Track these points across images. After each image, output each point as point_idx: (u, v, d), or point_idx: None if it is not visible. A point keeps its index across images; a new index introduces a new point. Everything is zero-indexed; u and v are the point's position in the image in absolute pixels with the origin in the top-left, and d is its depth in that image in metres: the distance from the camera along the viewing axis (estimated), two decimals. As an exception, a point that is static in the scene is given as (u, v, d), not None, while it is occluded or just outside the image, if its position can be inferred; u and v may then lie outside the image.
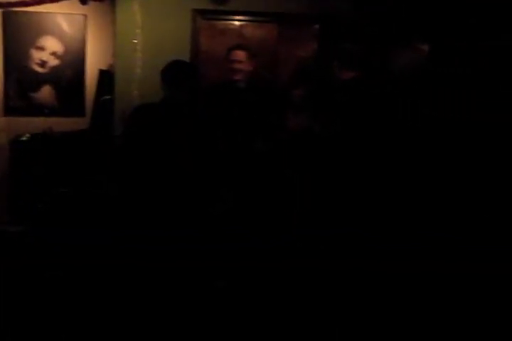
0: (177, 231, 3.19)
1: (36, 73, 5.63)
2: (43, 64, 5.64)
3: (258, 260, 3.25)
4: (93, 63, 5.79)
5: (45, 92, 5.70)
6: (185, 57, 4.88)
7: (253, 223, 3.53)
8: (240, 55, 4.31)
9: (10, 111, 5.63)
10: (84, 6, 5.21)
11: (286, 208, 3.62)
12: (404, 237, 3.17)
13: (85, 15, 5.65)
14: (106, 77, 5.57)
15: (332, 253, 3.23)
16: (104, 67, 5.75)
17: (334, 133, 3.54)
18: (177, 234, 3.17)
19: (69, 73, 5.72)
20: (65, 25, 5.63)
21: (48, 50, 5.63)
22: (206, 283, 3.25)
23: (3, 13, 5.41)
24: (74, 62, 5.73)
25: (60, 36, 5.63)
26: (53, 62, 5.67)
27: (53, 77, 5.67)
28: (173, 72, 3.44)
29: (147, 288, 3.20)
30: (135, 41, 4.87)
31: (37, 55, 5.61)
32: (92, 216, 4.12)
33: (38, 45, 5.59)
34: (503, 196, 3.47)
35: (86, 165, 5.16)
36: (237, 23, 5.13)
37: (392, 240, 3.16)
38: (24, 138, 5.40)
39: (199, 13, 4.95)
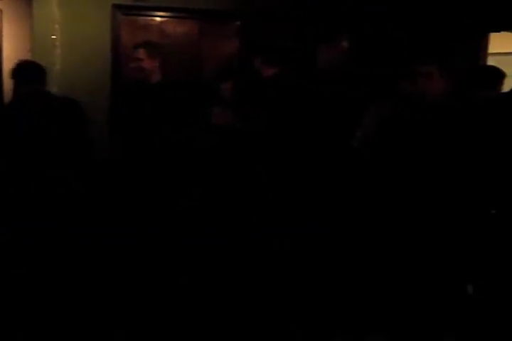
0: (142, 228, 3.18)
1: (-51, 69, 5.41)
2: (-45, 59, 5.43)
3: (221, 258, 3.25)
4: (10, 59, 5.61)
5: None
6: (106, 53, 4.83)
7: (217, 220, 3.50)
8: (140, 53, 4.27)
9: None
10: (0, 1, 5.05)
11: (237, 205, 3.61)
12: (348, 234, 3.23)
13: (0, 10, 5.47)
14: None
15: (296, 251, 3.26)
16: (21, 63, 5.58)
17: (257, 129, 3.58)
18: (141, 232, 3.16)
19: (-16, 69, 5.53)
20: (-22, 19, 5.43)
21: (-39, 46, 5.42)
22: (170, 280, 3.24)
23: None
24: (-11, 58, 5.53)
25: (-26, 31, 5.43)
26: (-33, 58, 5.47)
27: (-33, 73, 5.47)
28: (21, 71, 3.55)
29: (109, 285, 3.17)
30: (54, 37, 4.76)
31: (-51, 51, 5.39)
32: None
33: (-50, 40, 5.37)
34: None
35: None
36: (158, 19, 5.10)
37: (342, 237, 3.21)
38: None
39: (119, 8, 4.88)
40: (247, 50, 4.78)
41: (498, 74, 3.97)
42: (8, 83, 4.56)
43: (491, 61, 5.22)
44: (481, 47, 4.86)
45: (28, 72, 3.72)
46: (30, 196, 3.33)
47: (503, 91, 3.85)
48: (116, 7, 4.86)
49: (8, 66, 5.57)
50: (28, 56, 5.30)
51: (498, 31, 4.73)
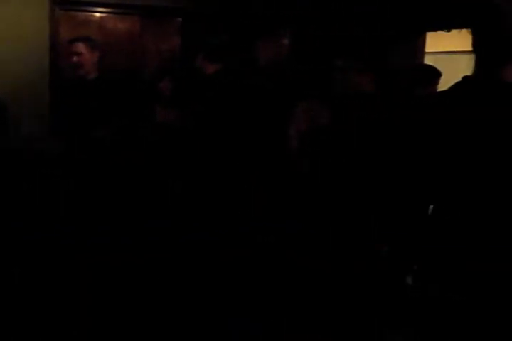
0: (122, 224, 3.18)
1: None
2: None
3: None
4: None
5: None
6: (45, 48, 4.72)
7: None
8: (79, 47, 4.15)
9: None
10: None
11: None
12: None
13: None
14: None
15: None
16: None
17: (198, 126, 3.58)
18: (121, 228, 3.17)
19: None
20: None
21: None
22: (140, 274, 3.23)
23: None
24: None
25: None
26: None
27: None
28: None
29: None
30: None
31: None
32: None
33: None
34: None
35: None
36: (98, 14, 5.02)
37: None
38: None
39: (57, 3, 4.79)
40: (189, 47, 4.76)
41: (435, 73, 4.08)
42: None
43: (428, 60, 5.35)
44: (418, 46, 4.97)
45: None
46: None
47: (439, 90, 3.95)
48: (55, 2, 4.76)
49: None
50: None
51: (435, 30, 4.85)
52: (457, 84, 1.87)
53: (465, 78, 1.86)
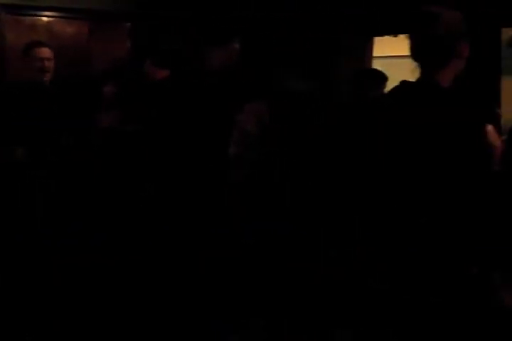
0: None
1: None
2: None
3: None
4: None
5: None
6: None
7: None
8: (47, 52, 4.06)
9: None
10: None
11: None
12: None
13: None
14: None
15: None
16: None
17: (143, 131, 3.58)
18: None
19: None
20: None
21: None
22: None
23: None
24: None
25: None
26: None
27: None
28: None
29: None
30: None
31: None
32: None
33: None
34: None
35: None
36: (45, 19, 4.96)
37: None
38: None
39: (4, 7, 4.71)
40: (138, 52, 4.74)
41: (381, 77, 4.17)
42: None
43: (376, 64, 5.44)
44: (365, 51, 5.05)
45: None
46: None
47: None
48: (1, 7, 4.68)
49: None
50: None
51: (382, 35, 4.94)
52: (395, 88, 1.92)
53: (403, 82, 1.91)
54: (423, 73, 1.88)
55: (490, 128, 3.89)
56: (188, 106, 3.48)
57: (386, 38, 4.97)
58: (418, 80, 1.90)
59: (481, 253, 1.88)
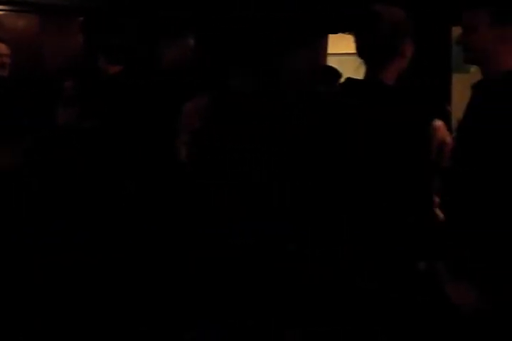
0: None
1: None
2: None
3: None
4: None
5: None
6: None
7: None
8: (3, 47, 4.00)
9: None
10: None
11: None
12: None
13: None
14: None
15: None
16: None
17: (99, 127, 3.54)
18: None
19: None
20: None
21: None
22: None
23: None
24: None
25: None
26: None
27: None
28: None
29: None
30: None
31: None
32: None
33: None
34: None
35: None
36: (-4, 12, 4.86)
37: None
38: None
39: (-48, 0, 4.61)
40: (91, 48, 4.68)
41: (335, 74, 4.20)
42: None
43: (332, 61, 5.46)
44: (320, 48, 5.06)
45: None
46: None
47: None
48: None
49: None
50: None
51: (336, 33, 4.95)
52: (340, 85, 1.94)
53: (347, 79, 1.93)
54: (367, 71, 1.90)
55: (440, 124, 3.96)
56: (136, 102, 3.46)
57: (341, 35, 4.99)
58: (363, 78, 1.92)
59: (427, 247, 1.91)
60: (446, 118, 3.80)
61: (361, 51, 1.94)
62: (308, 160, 2.00)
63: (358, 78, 1.95)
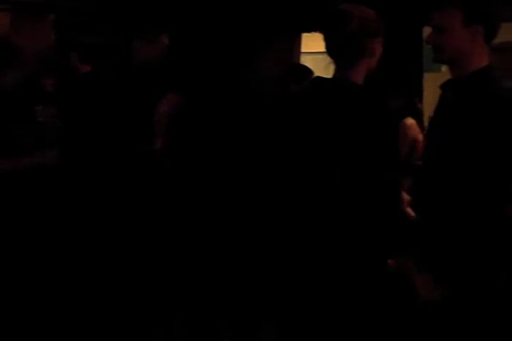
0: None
1: None
2: None
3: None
4: None
5: None
6: None
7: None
8: None
9: None
10: None
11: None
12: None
13: None
14: None
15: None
16: None
17: (71, 126, 3.52)
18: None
19: None
20: None
21: None
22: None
23: None
24: None
25: None
26: None
27: None
28: None
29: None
30: None
31: None
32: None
33: None
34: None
35: None
36: (-35, 9, 4.77)
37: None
38: None
39: None
40: (63, 46, 4.63)
41: (306, 72, 4.23)
42: None
43: (306, 60, 5.48)
44: (294, 46, 5.09)
45: None
46: None
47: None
48: None
49: None
50: None
51: (309, 32, 4.98)
52: (309, 83, 1.95)
53: (316, 78, 1.94)
54: (336, 69, 1.91)
55: (412, 122, 3.99)
56: (106, 100, 3.44)
57: (315, 33, 5.01)
58: (332, 76, 1.93)
59: (397, 244, 1.92)
60: (418, 117, 3.84)
61: (330, 50, 1.95)
62: (275, 159, 2.01)
63: (327, 77, 1.95)
